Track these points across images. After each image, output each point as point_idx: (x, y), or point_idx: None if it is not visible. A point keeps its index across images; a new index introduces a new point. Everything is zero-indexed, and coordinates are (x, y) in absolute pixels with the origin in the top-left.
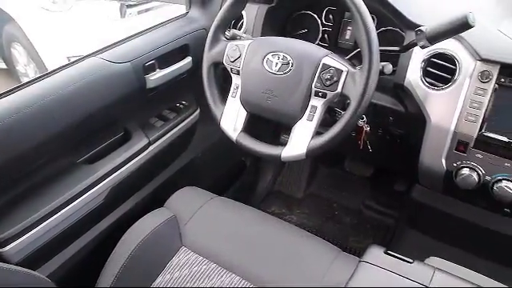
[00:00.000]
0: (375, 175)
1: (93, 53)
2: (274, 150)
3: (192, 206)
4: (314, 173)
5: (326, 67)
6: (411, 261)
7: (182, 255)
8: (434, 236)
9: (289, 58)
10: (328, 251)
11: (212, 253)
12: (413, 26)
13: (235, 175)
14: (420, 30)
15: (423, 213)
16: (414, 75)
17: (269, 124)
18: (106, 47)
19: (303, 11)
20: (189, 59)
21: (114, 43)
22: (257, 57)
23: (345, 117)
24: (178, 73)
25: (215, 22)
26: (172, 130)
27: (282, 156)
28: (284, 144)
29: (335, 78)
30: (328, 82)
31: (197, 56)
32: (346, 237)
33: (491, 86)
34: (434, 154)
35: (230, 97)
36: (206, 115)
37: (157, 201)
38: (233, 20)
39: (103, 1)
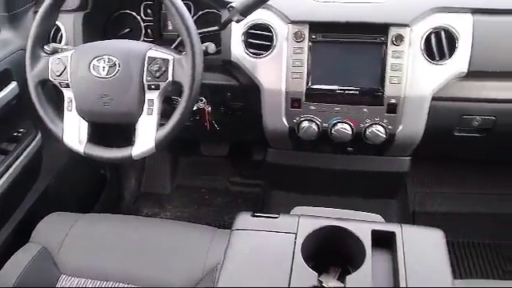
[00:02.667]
0: (232, 151)
1: None
2: (123, 151)
3: (60, 231)
4: (175, 166)
5: (152, 60)
6: (277, 216)
7: (64, 283)
8: (298, 190)
9: (114, 59)
10: (205, 233)
11: (94, 271)
12: (225, 4)
13: (98, 190)
14: (232, 7)
15: (282, 173)
16: (238, 49)
17: (120, 128)
18: None
19: (121, 11)
20: (13, 84)
21: None
22: (82, 65)
23: (182, 102)
24: (5, 101)
25: (30, 40)
26: (16, 161)
27: (132, 155)
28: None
29: (164, 68)
30: (158, 74)
31: (22, 78)
32: (222, 217)
33: (306, 44)
34: (275, 116)
35: (66, 111)
36: (49, 137)
37: (22, 238)
38: (48, 33)
39: None
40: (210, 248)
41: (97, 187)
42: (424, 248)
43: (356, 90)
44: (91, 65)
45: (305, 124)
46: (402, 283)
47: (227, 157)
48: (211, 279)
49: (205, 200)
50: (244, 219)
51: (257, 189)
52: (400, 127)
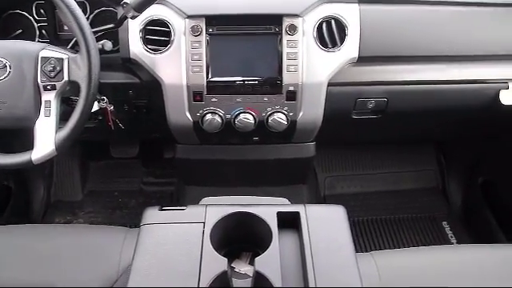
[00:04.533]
0: (143, 152)
1: None
2: (22, 156)
3: None
4: (86, 171)
5: (45, 60)
6: (184, 208)
7: None
8: (210, 184)
9: (4, 60)
10: (117, 234)
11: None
12: (119, 1)
13: (3, 203)
14: (125, 3)
15: (193, 168)
16: (136, 46)
17: (19, 133)
18: None
19: (11, 11)
20: None
21: None
22: None
23: (80, 102)
24: None
25: None
26: None
27: (32, 159)
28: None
29: (58, 68)
30: (52, 74)
31: None
32: (137, 218)
33: (203, 37)
34: (178, 111)
35: None
36: None
37: None
38: None
39: None
40: (123, 247)
41: (0, 200)
42: (327, 224)
43: (255, 80)
44: None
45: (208, 116)
46: (308, 259)
47: (138, 157)
48: (127, 278)
49: (119, 203)
50: (152, 214)
51: (170, 187)
52: (300, 114)
